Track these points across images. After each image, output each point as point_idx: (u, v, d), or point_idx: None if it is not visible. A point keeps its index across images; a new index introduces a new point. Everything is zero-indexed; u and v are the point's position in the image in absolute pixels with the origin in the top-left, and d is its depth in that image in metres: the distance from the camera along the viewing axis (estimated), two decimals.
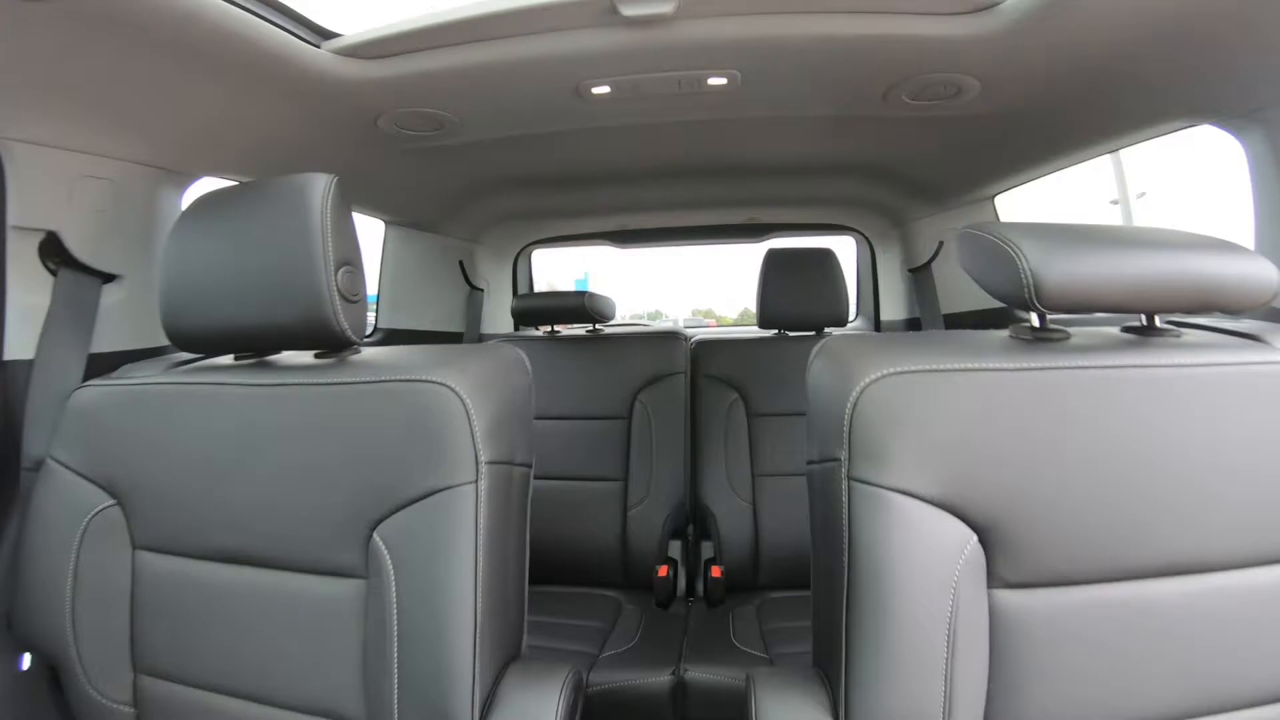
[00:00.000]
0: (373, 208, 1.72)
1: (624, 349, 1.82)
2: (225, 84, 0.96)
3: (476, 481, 0.70)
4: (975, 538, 0.64)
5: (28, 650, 0.86)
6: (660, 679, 1.28)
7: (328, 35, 1.00)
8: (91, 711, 0.82)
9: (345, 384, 0.76)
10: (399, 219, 1.84)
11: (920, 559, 0.62)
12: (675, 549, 1.76)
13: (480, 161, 1.54)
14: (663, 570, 1.67)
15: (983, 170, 1.60)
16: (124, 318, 1.03)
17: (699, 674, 1.26)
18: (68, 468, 0.83)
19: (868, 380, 0.64)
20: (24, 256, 0.92)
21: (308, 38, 0.97)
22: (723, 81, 1.10)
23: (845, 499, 0.64)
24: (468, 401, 0.71)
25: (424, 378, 0.72)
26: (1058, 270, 0.63)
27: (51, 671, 0.85)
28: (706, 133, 1.39)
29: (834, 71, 1.09)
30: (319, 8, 0.98)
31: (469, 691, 0.69)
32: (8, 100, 0.84)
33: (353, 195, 0.98)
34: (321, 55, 0.99)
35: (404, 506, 0.72)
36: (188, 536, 0.80)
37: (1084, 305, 0.65)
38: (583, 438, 1.75)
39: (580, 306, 1.84)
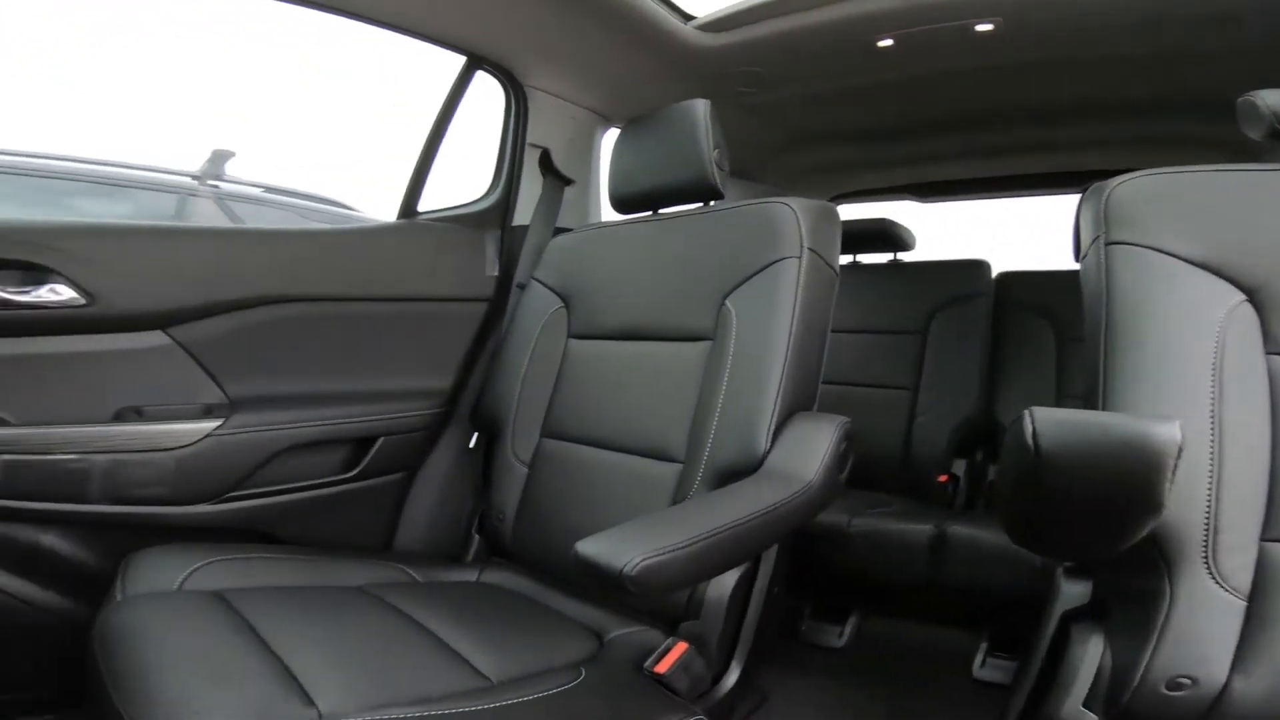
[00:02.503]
0: None
1: (924, 273, 1.98)
2: (637, 54, 1.42)
3: (800, 257, 0.96)
4: (1244, 297, 0.67)
5: (479, 429, 1.35)
6: (922, 528, 1.46)
7: (688, 16, 1.42)
8: (502, 470, 1.22)
9: (716, 211, 1.11)
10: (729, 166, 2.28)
11: (1179, 306, 0.66)
12: (959, 467, 1.86)
13: (791, 115, 1.84)
14: (942, 478, 1.80)
15: None
16: (570, 207, 1.56)
17: (959, 529, 1.42)
18: (541, 283, 1.31)
19: (1121, 180, 0.73)
20: (530, 163, 1.48)
21: (678, 18, 1.38)
22: (988, 27, 1.29)
23: (1102, 263, 0.70)
24: (798, 210, 0.99)
25: (769, 201, 1.04)
26: None
27: (487, 444, 1.31)
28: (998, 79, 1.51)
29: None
30: None
31: (767, 428, 0.89)
32: (537, 62, 1.40)
33: None
34: (688, 30, 1.40)
35: (750, 277, 1.00)
36: (600, 321, 1.20)
37: None
38: (876, 349, 1.95)
39: (883, 232, 2.04)
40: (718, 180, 1.13)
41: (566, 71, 1.45)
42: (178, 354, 1.08)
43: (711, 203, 1.18)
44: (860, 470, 2.01)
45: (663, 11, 1.34)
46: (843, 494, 0.97)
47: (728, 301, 1.01)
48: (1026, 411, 0.57)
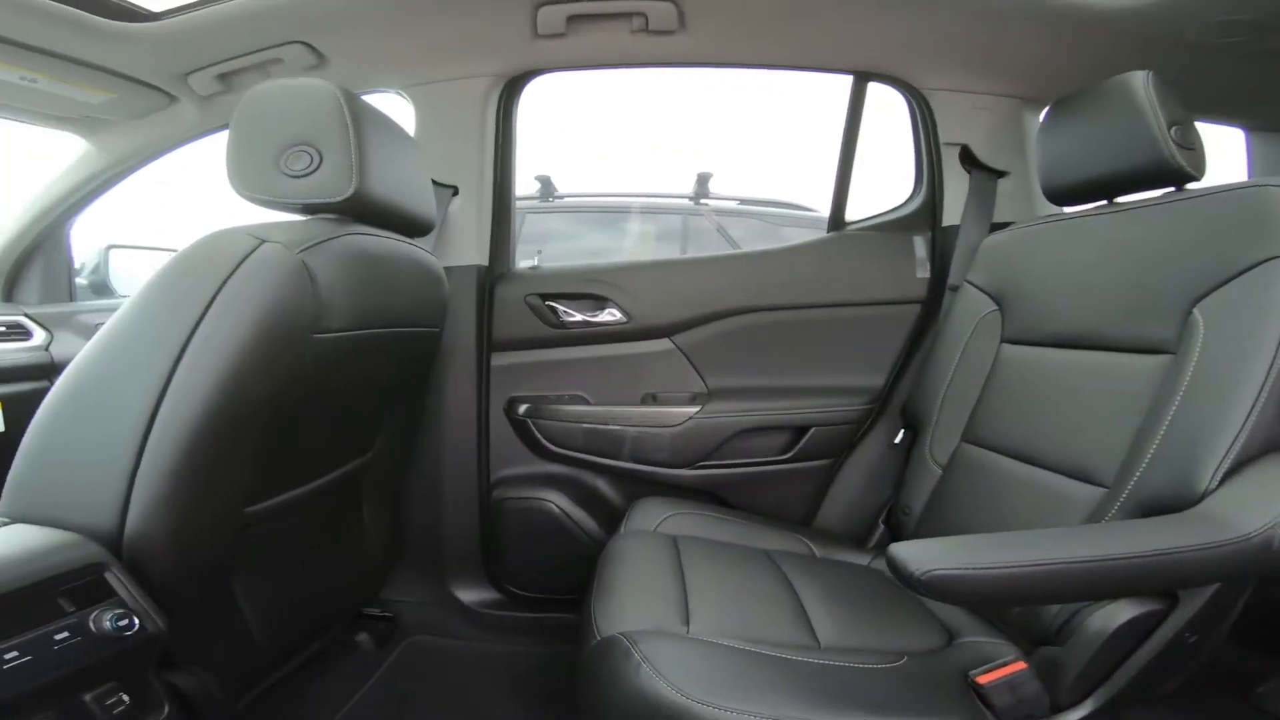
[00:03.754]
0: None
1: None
2: (1053, 27, 1.26)
3: None
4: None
5: (906, 427, 1.38)
6: None
7: None
8: (917, 468, 1.28)
9: (1186, 199, 0.96)
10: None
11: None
12: None
13: None
14: None
15: None
16: (1008, 200, 1.48)
17: None
18: (974, 285, 1.29)
19: None
20: (950, 161, 1.48)
21: None
22: None
23: None
24: None
25: (1258, 183, 0.85)
26: None
27: (911, 441, 1.34)
28: None
29: None
30: None
31: (1217, 463, 0.76)
32: (934, 65, 1.41)
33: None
34: None
35: (1229, 280, 0.84)
36: (1037, 326, 1.13)
37: None
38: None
39: None
40: (1181, 161, 0.96)
41: (970, 65, 1.40)
42: (677, 356, 1.52)
43: (1184, 187, 1.01)
44: None
45: None
46: None
47: (1197, 309, 0.87)
48: None
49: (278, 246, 0.81)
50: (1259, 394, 0.77)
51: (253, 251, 0.80)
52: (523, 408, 1.51)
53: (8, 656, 0.62)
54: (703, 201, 3.37)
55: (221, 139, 0.94)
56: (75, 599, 0.70)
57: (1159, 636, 0.75)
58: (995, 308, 1.24)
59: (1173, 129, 0.97)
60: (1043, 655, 0.83)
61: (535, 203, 3.34)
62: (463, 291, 1.44)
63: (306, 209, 0.93)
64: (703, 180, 3.43)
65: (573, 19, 1.31)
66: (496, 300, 1.51)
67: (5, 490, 0.80)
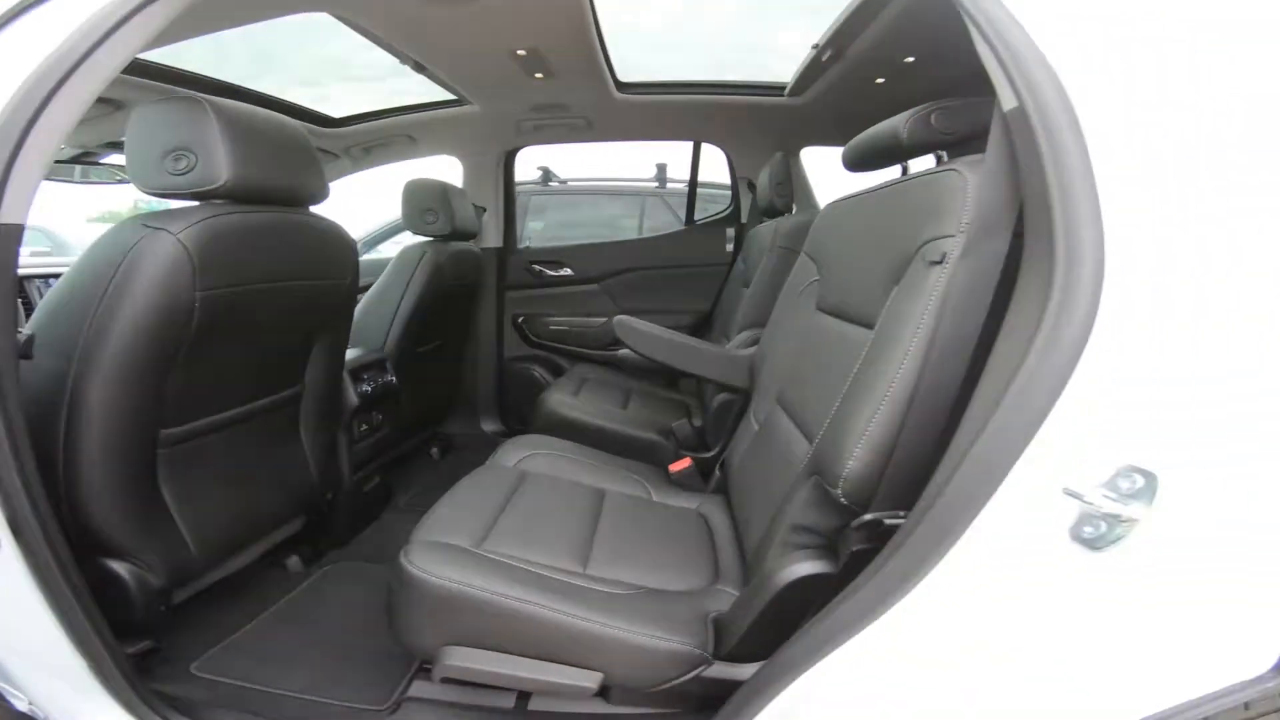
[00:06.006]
0: None
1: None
2: None
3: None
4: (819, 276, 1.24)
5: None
6: None
7: None
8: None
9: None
10: None
11: (789, 287, 1.40)
12: None
13: None
14: None
15: None
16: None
17: None
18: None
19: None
20: (743, 188, 2.87)
21: None
22: None
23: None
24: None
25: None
26: None
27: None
28: None
29: None
30: None
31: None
32: (731, 136, 2.76)
33: None
34: None
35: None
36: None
37: None
38: None
39: None
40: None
41: (747, 135, 2.72)
42: (601, 294, 2.92)
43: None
44: None
45: None
46: None
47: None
48: None
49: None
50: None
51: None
52: (520, 319, 2.93)
53: None
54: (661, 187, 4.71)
55: None
56: None
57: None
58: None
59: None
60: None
61: (536, 187, 4.70)
62: (489, 259, 2.84)
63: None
64: (661, 169, 4.74)
65: (538, 126, 2.67)
66: (509, 265, 2.91)
67: None
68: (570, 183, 4.77)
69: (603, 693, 1.01)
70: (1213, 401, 0.64)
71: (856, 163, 1.21)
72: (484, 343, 2.89)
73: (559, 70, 2.11)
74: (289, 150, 1.22)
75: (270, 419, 1.40)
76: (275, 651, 1.31)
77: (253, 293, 1.18)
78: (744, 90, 2.53)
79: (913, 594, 0.72)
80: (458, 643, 0.95)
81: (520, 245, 3.04)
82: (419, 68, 2.02)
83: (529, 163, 4.59)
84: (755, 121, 2.61)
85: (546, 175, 4.77)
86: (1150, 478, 0.65)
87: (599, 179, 4.81)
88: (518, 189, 3.00)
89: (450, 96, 2.45)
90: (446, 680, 0.99)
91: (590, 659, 0.93)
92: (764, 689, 0.83)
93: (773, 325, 1.52)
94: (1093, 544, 0.67)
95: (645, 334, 1.69)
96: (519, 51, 1.92)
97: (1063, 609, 0.71)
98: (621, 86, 2.43)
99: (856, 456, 0.82)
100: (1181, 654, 0.72)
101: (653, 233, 3.58)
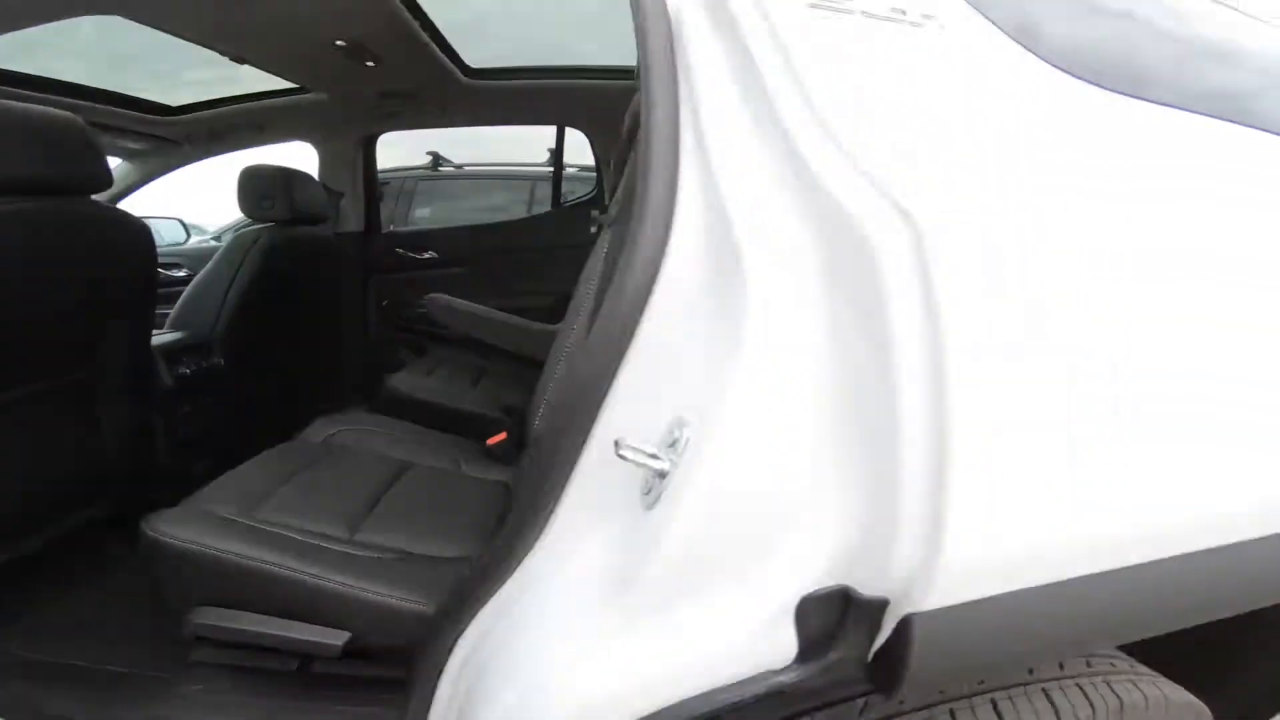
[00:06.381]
0: None
1: None
2: None
3: None
4: None
5: None
6: None
7: None
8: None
9: None
10: None
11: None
12: None
13: None
14: None
15: None
16: None
17: None
18: None
19: None
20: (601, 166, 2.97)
21: None
22: None
23: None
24: None
25: None
26: None
27: None
28: None
29: None
30: None
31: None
32: (597, 120, 2.86)
33: None
34: None
35: None
36: None
37: None
38: None
39: None
40: None
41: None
42: (463, 274, 2.98)
43: None
44: None
45: None
46: None
47: None
48: None
49: None
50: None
51: None
52: (385, 303, 2.98)
53: None
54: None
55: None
56: None
57: None
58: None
59: None
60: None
61: (426, 172, 4.67)
62: (353, 243, 2.87)
63: None
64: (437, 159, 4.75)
65: (392, 113, 2.69)
66: (372, 248, 2.94)
67: None
68: (466, 167, 4.77)
69: (363, 653, 1.03)
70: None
71: None
72: (349, 327, 2.91)
73: (388, 58, 2.14)
74: (51, 142, 1.24)
75: (60, 401, 1.41)
76: (68, 627, 1.33)
77: (14, 281, 1.21)
78: (599, 74, 2.61)
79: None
80: (205, 603, 1.02)
81: (386, 229, 3.06)
82: (241, 60, 2.01)
83: (418, 147, 4.56)
84: (613, 104, 2.70)
85: (437, 160, 4.75)
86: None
87: (492, 163, 4.84)
88: (404, 174, 3.01)
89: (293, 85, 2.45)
90: (221, 645, 1.05)
91: (340, 619, 0.98)
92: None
93: (575, 299, 1.59)
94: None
95: (464, 312, 1.75)
96: (338, 42, 1.95)
97: None
98: (470, 72, 2.48)
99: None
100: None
101: None
